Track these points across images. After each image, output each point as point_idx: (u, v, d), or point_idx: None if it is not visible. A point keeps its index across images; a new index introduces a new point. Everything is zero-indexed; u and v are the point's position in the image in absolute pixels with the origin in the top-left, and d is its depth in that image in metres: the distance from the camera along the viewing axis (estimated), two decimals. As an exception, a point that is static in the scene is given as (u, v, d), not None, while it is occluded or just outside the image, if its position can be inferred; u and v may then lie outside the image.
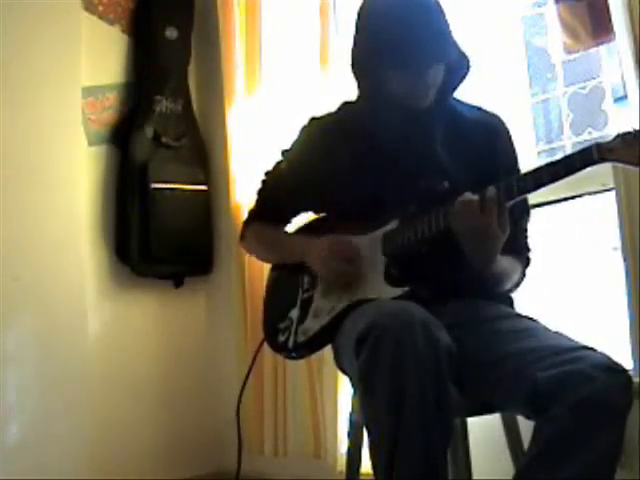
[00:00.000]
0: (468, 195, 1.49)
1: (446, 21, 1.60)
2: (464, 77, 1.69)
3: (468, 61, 1.66)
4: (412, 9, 1.56)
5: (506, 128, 1.76)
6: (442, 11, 1.60)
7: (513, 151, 1.75)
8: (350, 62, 1.68)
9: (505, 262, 1.60)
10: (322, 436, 2.55)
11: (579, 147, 1.46)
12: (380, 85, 1.64)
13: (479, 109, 1.77)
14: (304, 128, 1.84)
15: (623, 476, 1.45)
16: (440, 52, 1.59)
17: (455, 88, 1.71)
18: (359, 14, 1.67)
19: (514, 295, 1.73)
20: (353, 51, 1.67)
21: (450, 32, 1.61)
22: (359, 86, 1.71)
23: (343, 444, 2.32)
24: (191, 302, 3.13)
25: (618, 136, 1.36)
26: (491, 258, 1.53)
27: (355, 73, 1.68)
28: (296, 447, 2.66)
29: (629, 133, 1.35)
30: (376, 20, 1.61)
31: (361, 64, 1.66)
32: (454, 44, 1.63)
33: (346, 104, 1.81)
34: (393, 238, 1.63)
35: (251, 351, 1.99)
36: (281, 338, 1.76)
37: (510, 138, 1.75)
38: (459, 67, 1.66)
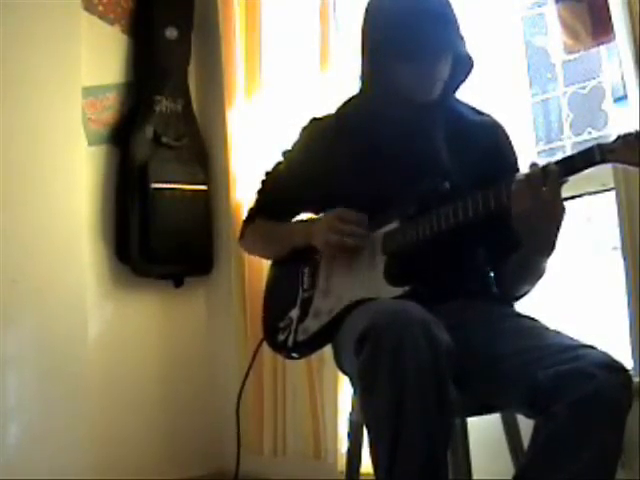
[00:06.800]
0: (521, 174, 1.40)
1: (455, 15, 1.62)
2: (466, 77, 1.69)
3: (472, 60, 1.66)
4: (423, 0, 1.58)
5: (504, 129, 1.76)
6: (451, 5, 1.62)
7: (513, 152, 1.75)
8: (359, 54, 1.67)
9: None
10: (322, 436, 2.55)
11: (579, 147, 1.45)
12: (387, 77, 1.64)
13: (475, 110, 1.77)
14: (304, 129, 1.84)
15: (623, 476, 1.45)
16: (450, 43, 1.60)
17: (457, 87, 1.71)
18: (368, 6, 1.67)
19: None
20: (362, 43, 1.67)
21: (459, 26, 1.62)
22: (364, 79, 1.70)
23: (343, 444, 2.32)
24: (191, 302, 3.13)
25: (619, 137, 1.35)
26: (554, 243, 1.46)
27: (362, 65, 1.68)
28: (296, 447, 2.65)
29: (630, 134, 1.34)
30: (387, 11, 1.62)
31: (369, 56, 1.66)
32: (462, 39, 1.63)
33: (346, 104, 1.81)
34: (394, 238, 1.63)
35: (251, 351, 1.98)
36: (281, 337, 1.76)
37: (509, 139, 1.75)
38: (463, 65, 1.66)
